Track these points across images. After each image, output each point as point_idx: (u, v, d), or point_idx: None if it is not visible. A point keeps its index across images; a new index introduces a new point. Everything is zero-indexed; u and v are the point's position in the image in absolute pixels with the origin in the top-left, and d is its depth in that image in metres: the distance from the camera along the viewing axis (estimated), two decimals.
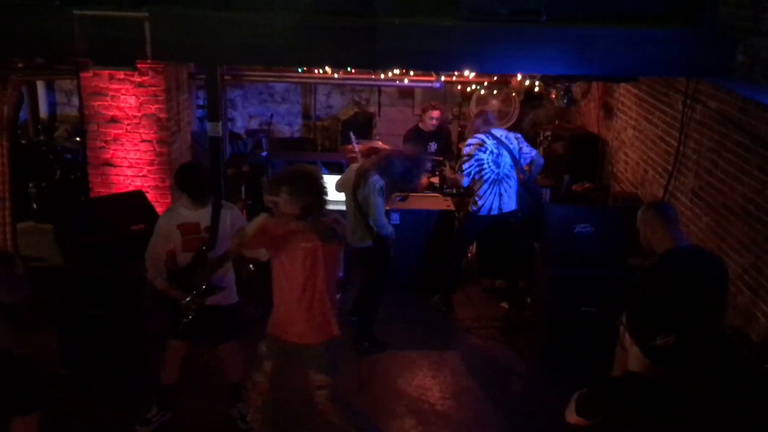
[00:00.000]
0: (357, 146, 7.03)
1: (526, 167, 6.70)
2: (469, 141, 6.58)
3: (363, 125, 9.45)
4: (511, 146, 6.54)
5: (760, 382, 3.93)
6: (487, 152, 6.47)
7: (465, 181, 6.60)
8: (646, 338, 2.94)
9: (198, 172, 4.94)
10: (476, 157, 6.47)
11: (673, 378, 2.97)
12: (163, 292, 4.82)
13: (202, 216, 4.79)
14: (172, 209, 4.91)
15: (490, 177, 6.50)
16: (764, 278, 4.47)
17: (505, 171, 6.52)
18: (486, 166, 6.47)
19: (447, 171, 7.48)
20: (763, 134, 4.55)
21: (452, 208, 7.18)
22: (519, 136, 6.71)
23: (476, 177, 6.52)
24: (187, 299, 4.70)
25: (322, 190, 4.20)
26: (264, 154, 8.56)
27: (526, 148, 6.67)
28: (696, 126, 5.58)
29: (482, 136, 6.52)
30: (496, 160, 6.48)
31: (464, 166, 6.54)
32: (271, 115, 10.24)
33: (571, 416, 3.37)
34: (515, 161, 6.56)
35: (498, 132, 6.60)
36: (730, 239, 4.95)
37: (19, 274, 4.09)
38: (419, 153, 6.49)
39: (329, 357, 4.34)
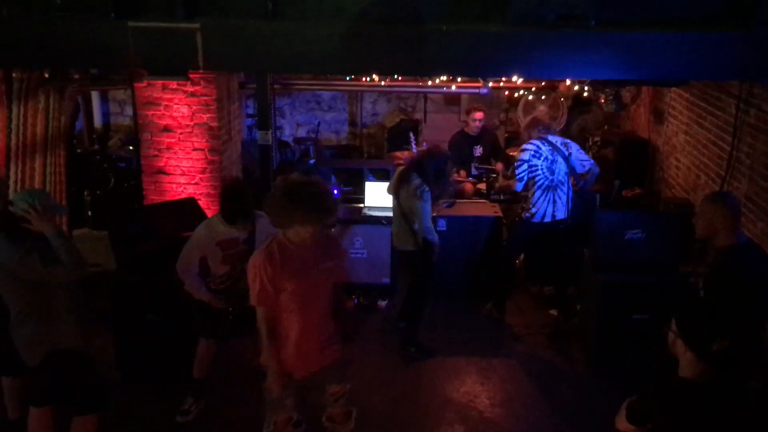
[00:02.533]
0: (415, 148, 7.04)
1: (582, 175, 6.62)
2: (525, 146, 6.54)
3: (409, 132, 9.47)
4: (566, 153, 6.48)
5: None
6: (542, 158, 6.42)
7: (518, 186, 6.56)
8: (705, 344, 2.90)
9: (244, 197, 4.87)
10: (530, 162, 6.42)
11: (725, 383, 2.93)
12: (202, 302, 4.89)
13: (239, 231, 4.87)
14: (211, 225, 4.88)
15: (543, 183, 6.45)
16: None
17: (560, 178, 6.46)
18: (540, 172, 6.43)
19: (500, 180, 7.46)
20: None
21: (500, 214, 7.15)
22: (571, 143, 6.63)
23: (530, 183, 6.50)
24: (230, 309, 4.90)
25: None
26: (312, 161, 8.66)
27: (583, 156, 6.63)
28: (750, 130, 5.48)
29: (537, 142, 6.47)
30: (551, 167, 6.43)
31: (517, 171, 6.51)
32: (319, 123, 10.34)
33: (622, 423, 3.33)
34: (570, 168, 6.51)
35: (554, 138, 6.54)
36: None
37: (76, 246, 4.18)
38: (447, 153, 6.36)
39: (343, 368, 4.31)
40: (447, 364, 5.98)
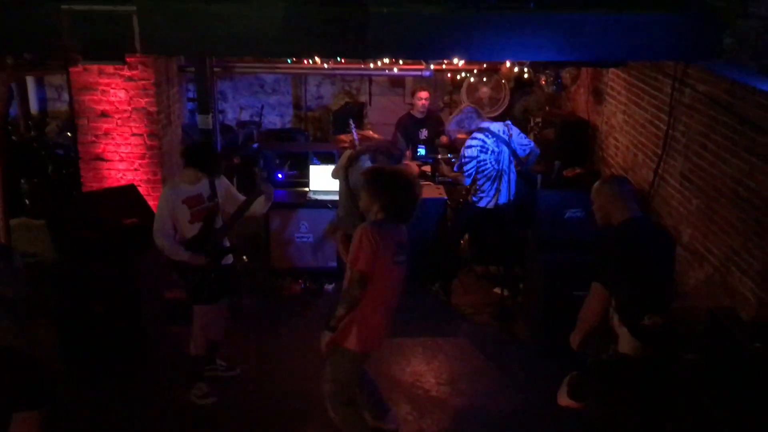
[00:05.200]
0: (356, 134, 7.03)
1: (523, 158, 6.73)
2: (470, 143, 6.58)
3: (354, 115, 9.45)
4: (508, 140, 6.57)
5: (751, 360, 3.98)
6: (489, 152, 6.52)
7: (467, 181, 6.67)
8: (635, 319, 2.98)
9: (212, 149, 5.29)
10: (479, 158, 6.52)
11: (661, 357, 3.02)
12: (182, 264, 5.01)
13: (202, 188, 5.07)
14: (174, 186, 5.06)
15: (492, 174, 6.58)
16: (754, 259, 4.52)
17: (505, 166, 6.56)
18: (488, 165, 6.55)
19: (445, 170, 7.49)
20: (751, 117, 4.58)
21: (445, 196, 7.20)
22: (511, 127, 6.72)
23: (477, 174, 6.60)
24: (209, 263, 5.04)
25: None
26: (255, 145, 8.57)
27: (525, 140, 6.74)
28: (685, 109, 5.61)
29: (482, 137, 6.53)
30: (498, 158, 6.53)
31: (465, 168, 6.58)
32: (262, 107, 10.24)
33: (563, 399, 3.41)
34: (514, 155, 6.61)
35: (495, 127, 6.61)
36: (719, 221, 4.99)
37: (19, 266, 4.09)
38: (401, 150, 6.53)
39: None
40: (393, 344, 6.01)
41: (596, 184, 4.18)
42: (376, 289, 4.19)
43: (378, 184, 4.23)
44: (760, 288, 4.42)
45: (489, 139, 6.52)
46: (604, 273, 3.87)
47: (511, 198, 6.65)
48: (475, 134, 6.57)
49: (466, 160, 6.56)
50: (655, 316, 2.96)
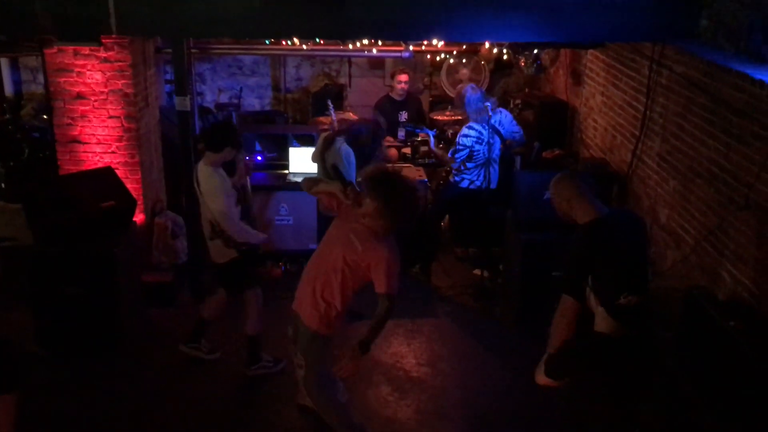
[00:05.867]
0: (334, 115, 7.02)
1: (508, 141, 6.79)
2: (468, 133, 6.61)
3: (334, 97, 9.40)
4: (503, 130, 6.63)
5: (726, 339, 4.03)
6: (484, 142, 6.55)
7: (455, 164, 6.70)
8: (611, 298, 3.01)
9: (233, 124, 5.27)
10: (474, 148, 6.59)
11: (636, 336, 3.05)
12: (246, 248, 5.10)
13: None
14: (219, 172, 5.02)
15: (481, 162, 6.66)
16: (729, 239, 4.57)
17: (494, 155, 6.64)
18: (480, 154, 6.62)
19: (437, 150, 7.49)
20: (727, 98, 4.61)
21: (425, 178, 7.20)
22: (505, 114, 6.82)
23: (466, 158, 6.69)
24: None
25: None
26: None
27: (515, 127, 6.83)
28: (662, 91, 5.64)
29: (479, 128, 6.57)
30: (491, 148, 6.56)
31: (458, 155, 6.66)
32: (241, 89, 10.15)
33: (541, 378, 3.45)
34: (504, 143, 6.69)
35: (494, 117, 6.62)
36: (696, 201, 5.03)
37: None
38: (379, 124, 6.51)
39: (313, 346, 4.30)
40: None
41: (554, 180, 3.98)
42: (358, 284, 4.21)
43: (394, 203, 3.88)
44: (736, 267, 4.48)
45: (485, 130, 6.53)
46: (574, 283, 3.70)
47: (492, 186, 6.68)
48: (473, 124, 6.60)
49: (460, 147, 6.63)
50: (630, 297, 2.99)
